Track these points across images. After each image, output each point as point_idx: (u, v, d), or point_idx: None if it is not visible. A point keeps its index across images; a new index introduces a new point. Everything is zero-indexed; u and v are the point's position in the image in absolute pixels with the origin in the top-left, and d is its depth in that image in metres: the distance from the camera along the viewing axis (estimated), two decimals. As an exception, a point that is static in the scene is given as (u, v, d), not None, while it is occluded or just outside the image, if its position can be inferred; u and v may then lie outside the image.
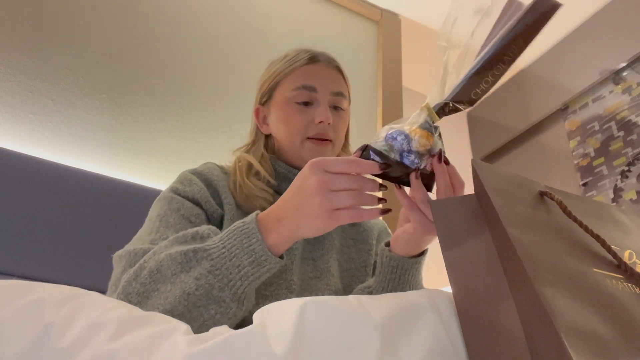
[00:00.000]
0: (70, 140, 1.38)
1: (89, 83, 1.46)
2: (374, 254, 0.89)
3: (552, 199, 0.44)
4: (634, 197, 2.11)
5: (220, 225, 0.77)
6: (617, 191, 2.19)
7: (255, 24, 1.88)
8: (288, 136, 0.84)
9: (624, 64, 2.29)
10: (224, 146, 1.59)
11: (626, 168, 2.19)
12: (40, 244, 1.11)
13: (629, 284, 0.38)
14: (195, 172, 0.82)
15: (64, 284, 0.48)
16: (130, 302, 0.56)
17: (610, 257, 0.40)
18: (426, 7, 2.43)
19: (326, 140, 0.84)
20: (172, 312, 0.54)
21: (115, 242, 1.16)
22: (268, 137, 0.91)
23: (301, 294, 0.74)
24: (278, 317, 0.40)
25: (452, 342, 0.39)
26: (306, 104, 0.84)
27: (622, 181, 2.19)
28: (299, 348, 0.36)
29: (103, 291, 0.54)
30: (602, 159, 2.32)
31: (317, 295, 0.74)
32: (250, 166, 0.84)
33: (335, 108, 0.87)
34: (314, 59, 0.87)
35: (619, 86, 2.33)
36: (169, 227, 0.70)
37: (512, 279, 0.36)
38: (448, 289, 0.45)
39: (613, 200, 2.19)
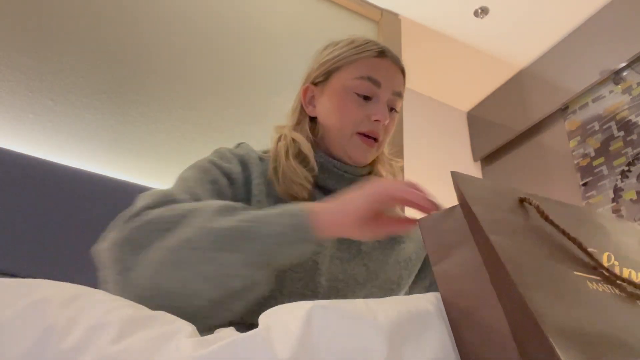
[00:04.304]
0: (70, 140, 1.38)
1: (89, 83, 1.46)
2: (412, 268, 0.85)
3: (530, 204, 0.45)
4: (634, 197, 2.11)
5: None
6: (617, 191, 2.19)
7: (255, 24, 1.88)
8: (339, 126, 0.80)
9: (624, 64, 2.29)
10: (224, 146, 1.59)
11: (626, 168, 2.19)
12: (40, 244, 1.11)
13: (608, 285, 0.39)
14: (233, 152, 0.79)
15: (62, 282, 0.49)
16: (157, 225, 0.56)
17: (588, 259, 0.40)
18: (426, 7, 2.43)
19: (375, 139, 0.81)
20: (194, 243, 0.53)
21: (115, 242, 1.17)
22: (311, 120, 0.86)
23: (327, 297, 0.71)
24: (284, 320, 0.39)
25: (456, 351, 0.39)
26: (365, 98, 0.80)
27: (622, 181, 2.19)
28: (303, 353, 0.35)
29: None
30: (602, 159, 2.32)
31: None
32: (293, 146, 0.80)
33: (391, 109, 0.84)
34: (383, 53, 0.83)
35: (619, 86, 2.33)
36: (204, 192, 0.68)
37: (498, 285, 0.37)
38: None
39: (613, 200, 2.19)
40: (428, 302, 0.42)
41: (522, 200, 0.46)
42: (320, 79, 0.85)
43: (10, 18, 1.42)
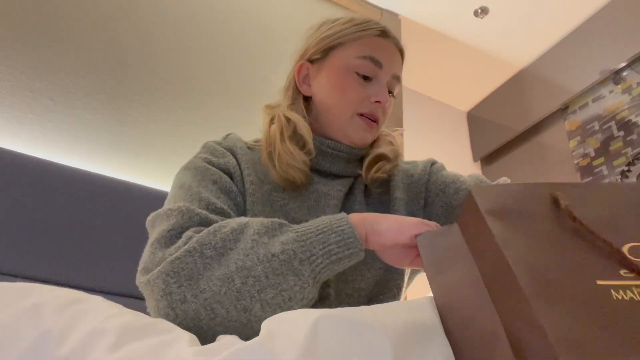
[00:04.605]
0: (70, 140, 1.38)
1: (89, 83, 1.46)
2: None
3: (559, 206, 0.43)
4: (634, 197, 2.11)
5: (244, 204, 0.72)
6: (617, 191, 2.19)
7: (255, 24, 1.88)
8: (339, 106, 0.77)
9: (624, 64, 2.29)
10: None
11: (626, 168, 2.19)
12: (40, 244, 1.11)
13: (637, 291, 0.36)
14: (223, 145, 0.77)
15: (63, 284, 0.48)
16: (202, 254, 0.54)
17: (622, 261, 0.38)
18: (426, 7, 2.43)
19: (375, 121, 0.78)
20: (249, 271, 0.53)
21: (114, 241, 1.17)
22: (304, 100, 0.82)
23: (337, 284, 0.70)
24: (289, 329, 0.39)
25: None
26: (365, 78, 0.77)
27: (622, 181, 2.19)
28: None
29: (103, 290, 0.53)
30: (602, 159, 2.32)
31: (352, 286, 0.70)
32: (287, 127, 0.76)
33: (389, 92, 0.81)
34: (385, 33, 0.80)
35: (619, 86, 2.33)
36: (212, 194, 0.66)
37: (502, 298, 0.36)
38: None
39: (613, 200, 2.19)
40: (432, 310, 0.42)
41: (555, 200, 0.43)
42: (318, 55, 0.81)
43: (10, 18, 1.42)
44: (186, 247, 0.55)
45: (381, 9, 2.31)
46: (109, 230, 1.18)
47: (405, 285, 0.78)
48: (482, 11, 2.44)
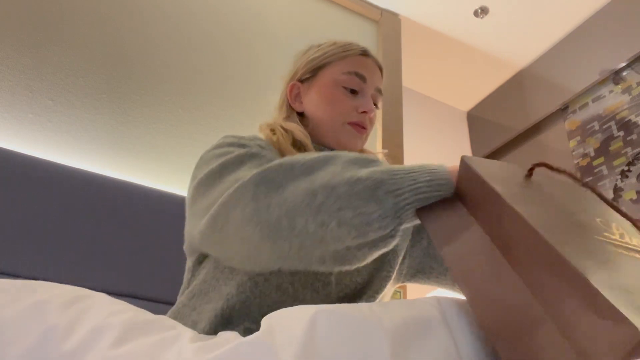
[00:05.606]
0: (70, 140, 1.38)
1: (89, 83, 1.46)
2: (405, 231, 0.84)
3: (551, 169, 0.47)
4: (634, 197, 2.11)
5: None
6: (617, 191, 2.19)
7: (255, 24, 1.89)
8: (330, 117, 0.86)
9: (624, 64, 2.29)
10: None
11: (626, 168, 2.19)
12: (40, 244, 1.11)
13: (626, 250, 0.38)
14: (245, 137, 0.80)
15: (63, 283, 0.48)
16: (293, 168, 0.57)
17: (605, 227, 0.41)
18: (426, 7, 2.43)
19: (364, 128, 0.87)
20: (333, 190, 0.54)
21: (115, 242, 1.17)
22: (298, 115, 0.92)
23: (338, 274, 0.72)
24: (288, 325, 0.39)
25: (461, 358, 0.38)
26: (352, 92, 0.87)
27: (622, 181, 2.19)
28: (307, 359, 0.35)
29: (103, 290, 0.53)
30: (602, 159, 2.32)
31: (350, 278, 0.73)
32: (287, 137, 0.83)
33: (374, 104, 0.90)
34: (366, 52, 0.91)
35: (619, 86, 2.33)
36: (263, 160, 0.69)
37: (518, 255, 0.37)
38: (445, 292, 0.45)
39: (613, 200, 2.19)
40: (431, 306, 0.42)
41: (530, 173, 0.47)
42: (308, 75, 0.91)
43: (10, 18, 1.42)
44: (278, 161, 0.58)
45: (381, 9, 2.31)
46: (108, 231, 1.18)
47: (393, 277, 0.82)
48: (482, 11, 2.44)
